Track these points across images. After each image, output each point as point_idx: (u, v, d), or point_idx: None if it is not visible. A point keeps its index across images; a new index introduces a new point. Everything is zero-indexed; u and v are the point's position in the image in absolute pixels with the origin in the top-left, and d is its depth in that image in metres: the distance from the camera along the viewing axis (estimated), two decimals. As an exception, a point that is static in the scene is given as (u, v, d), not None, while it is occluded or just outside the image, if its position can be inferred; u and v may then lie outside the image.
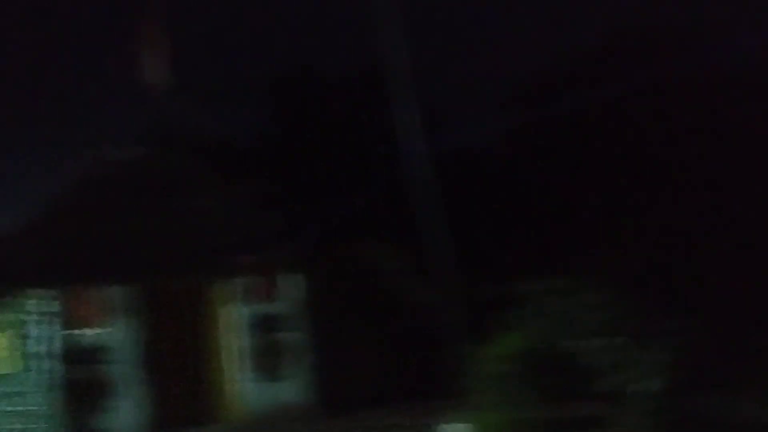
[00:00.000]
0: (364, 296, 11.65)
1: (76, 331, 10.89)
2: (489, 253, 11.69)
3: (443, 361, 10.33)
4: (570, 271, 8.42)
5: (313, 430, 10.50)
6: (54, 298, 10.88)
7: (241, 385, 11.27)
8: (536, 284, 8.16)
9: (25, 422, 10.95)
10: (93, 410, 10.70)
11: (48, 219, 12.87)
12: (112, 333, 10.95)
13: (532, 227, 12.05)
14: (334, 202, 11.98)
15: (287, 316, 11.51)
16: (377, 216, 11.92)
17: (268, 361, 11.32)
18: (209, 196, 12.45)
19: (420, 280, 11.56)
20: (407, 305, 11.78)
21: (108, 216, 12.11)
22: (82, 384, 10.72)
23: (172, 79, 15.10)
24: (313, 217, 11.78)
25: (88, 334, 10.90)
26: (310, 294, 11.56)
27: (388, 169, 10.43)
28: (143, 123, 14.71)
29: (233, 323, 11.40)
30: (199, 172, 13.16)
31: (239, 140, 15.93)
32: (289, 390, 11.26)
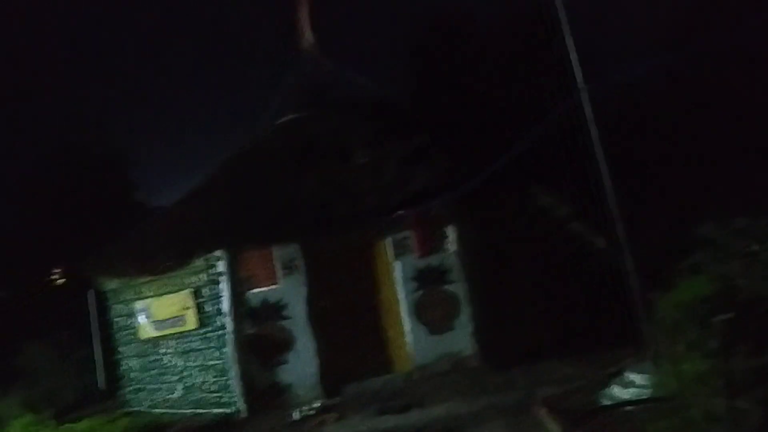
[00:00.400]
0: (531, 244, 11.14)
1: (248, 289, 11.31)
2: (667, 194, 10.81)
3: (619, 310, 9.71)
4: (757, 210, 7.52)
5: (486, 382, 10.25)
6: (226, 258, 11.33)
7: (408, 338, 11.25)
8: (721, 225, 7.38)
9: (205, 376, 11.62)
10: (267, 364, 11.12)
11: (219, 182, 13.53)
12: (281, 290, 11.26)
13: (713, 165, 11.02)
14: (494, 149, 11.54)
15: (451, 268, 11.30)
16: (542, 160, 11.34)
17: (433, 313, 11.20)
18: (368, 153, 12.47)
19: (591, 225, 10.89)
20: (578, 252, 11.14)
21: (274, 177, 12.48)
22: (255, 339, 11.17)
23: (325, 38, 15.25)
24: (474, 166, 11.41)
25: (260, 291, 11.28)
26: (474, 244, 11.25)
27: (552, 112, 9.81)
28: (300, 86, 15.02)
29: (397, 277, 11.35)
30: (356, 130, 13.24)
31: (395, 94, 15.85)
32: (455, 342, 11.09)
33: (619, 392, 7.89)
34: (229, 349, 11.11)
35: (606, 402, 7.94)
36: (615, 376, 8.50)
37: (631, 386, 7.80)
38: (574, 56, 8.10)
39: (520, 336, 10.73)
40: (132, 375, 13.27)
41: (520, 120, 10.78)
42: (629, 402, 7.53)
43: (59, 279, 16.11)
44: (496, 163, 10.18)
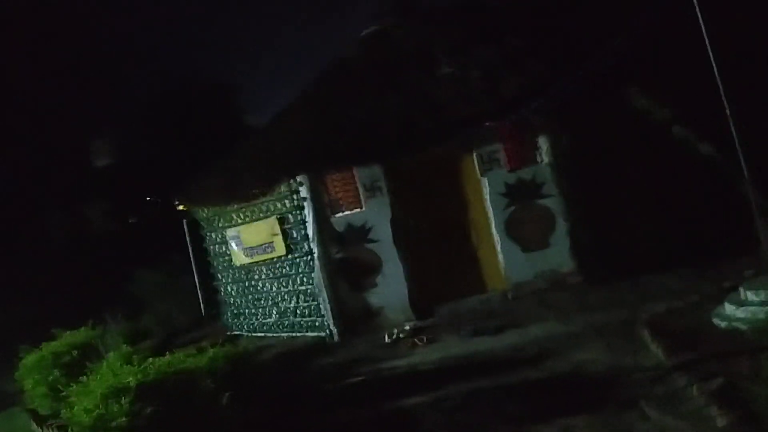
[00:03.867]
0: (633, 150, 10.18)
1: (333, 214, 11.03)
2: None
3: (734, 217, 8.77)
4: None
5: (586, 300, 9.62)
6: (309, 182, 11.04)
7: (500, 256, 10.71)
8: None
9: (298, 301, 11.58)
10: (356, 288, 10.92)
11: (303, 104, 13.18)
12: (366, 213, 10.91)
13: None
14: (590, 49, 10.50)
15: (544, 181, 10.55)
16: (643, 57, 10.23)
17: (526, 230, 10.57)
18: (454, 61, 11.69)
19: (700, 125, 9.81)
20: (686, 156, 10.11)
21: (356, 95, 11.98)
22: (343, 264, 10.95)
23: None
24: (568, 69, 10.45)
25: (344, 215, 10.98)
26: (570, 154, 10.40)
27: (648, 7, 8.71)
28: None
29: (487, 192, 10.74)
30: (441, 37, 12.43)
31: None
32: (552, 259, 10.46)
33: (732, 311, 7.12)
34: (317, 274, 10.95)
35: (717, 322, 7.20)
36: (728, 291, 7.70)
37: (746, 304, 7.00)
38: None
39: (623, 249, 9.99)
40: (230, 300, 13.50)
41: (619, 14, 9.73)
42: (744, 322, 6.76)
43: (161, 208, 16.52)
44: (591, 64, 9.22)
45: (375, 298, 10.86)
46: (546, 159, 10.55)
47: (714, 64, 7.29)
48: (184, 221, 14.70)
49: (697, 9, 7.26)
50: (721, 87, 7.26)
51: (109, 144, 28.18)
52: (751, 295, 7.01)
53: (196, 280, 14.89)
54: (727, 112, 7.19)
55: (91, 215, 25.79)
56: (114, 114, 28.72)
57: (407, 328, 10.24)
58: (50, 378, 9.55)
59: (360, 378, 8.82)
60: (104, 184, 25.61)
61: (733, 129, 7.15)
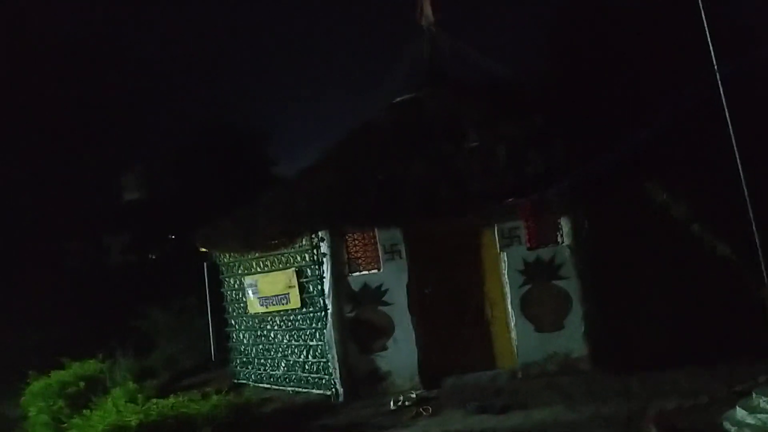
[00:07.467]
0: (654, 241, 10.20)
1: (350, 272, 11.08)
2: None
3: (753, 321, 8.69)
4: None
5: (596, 388, 9.51)
6: (330, 239, 11.15)
7: (513, 333, 10.66)
8: None
9: (307, 356, 11.56)
10: (366, 350, 10.88)
11: (326, 163, 13.37)
12: (383, 275, 10.95)
13: None
14: (618, 135, 10.63)
15: (563, 263, 10.55)
16: (664, 152, 10.34)
17: (541, 309, 10.53)
18: (482, 135, 11.87)
19: (723, 221, 9.83)
20: (708, 252, 10.10)
21: (384, 158, 12.13)
22: (355, 324, 10.94)
23: (446, 18, 14.69)
24: (594, 153, 10.57)
25: (361, 275, 11.03)
26: (590, 238, 10.44)
27: (682, 95, 8.82)
28: (419, 64, 14.56)
29: (504, 268, 10.75)
30: (472, 111, 12.66)
31: (515, 74, 15.08)
32: (565, 342, 10.38)
33: (743, 416, 7.01)
34: (329, 331, 10.96)
35: (727, 426, 7.09)
36: (739, 396, 7.60)
37: (758, 411, 6.90)
38: (707, 36, 7.16)
39: (637, 340, 9.91)
40: (241, 348, 13.49)
41: (647, 105, 9.87)
42: (754, 429, 6.65)
43: (180, 249, 16.69)
44: (618, 150, 9.33)
45: (384, 361, 10.80)
46: (566, 240, 10.58)
47: (740, 165, 7.37)
48: (205, 264, 14.83)
49: (725, 108, 7.38)
50: (745, 189, 7.32)
51: (138, 179, 28.64)
52: (764, 402, 6.92)
53: (210, 324, 14.93)
54: (751, 215, 7.24)
55: (111, 247, 26.07)
56: (146, 151, 29.30)
57: (413, 396, 10.17)
58: (54, 407, 9.56)
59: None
60: (129, 218, 25.95)
61: (756, 233, 7.18)
